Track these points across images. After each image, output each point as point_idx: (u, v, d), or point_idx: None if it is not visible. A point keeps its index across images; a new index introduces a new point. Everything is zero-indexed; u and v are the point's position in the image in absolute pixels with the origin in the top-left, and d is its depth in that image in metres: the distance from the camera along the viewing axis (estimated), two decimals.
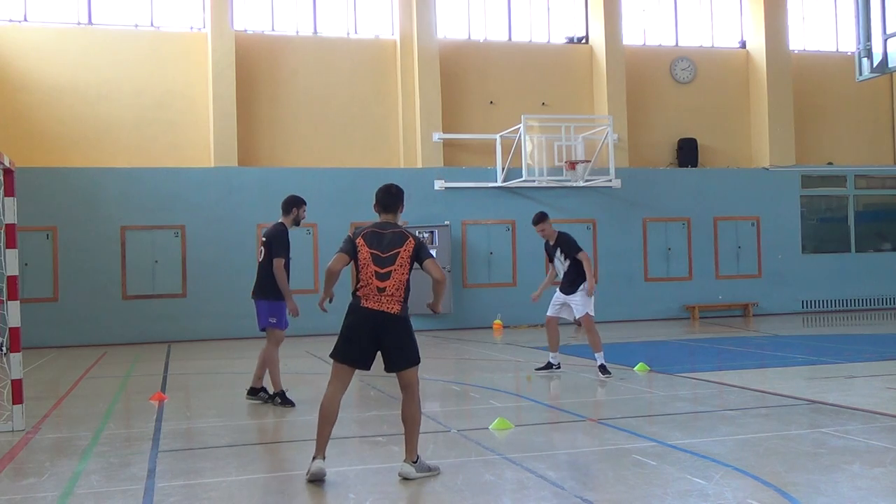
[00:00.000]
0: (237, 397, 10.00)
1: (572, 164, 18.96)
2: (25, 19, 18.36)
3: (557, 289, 10.96)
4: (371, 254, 5.75)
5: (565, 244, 10.71)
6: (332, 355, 5.85)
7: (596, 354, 10.73)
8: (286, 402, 8.73)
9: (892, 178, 23.19)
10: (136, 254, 17.94)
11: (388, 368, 5.84)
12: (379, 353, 5.84)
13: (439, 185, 19.51)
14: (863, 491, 5.26)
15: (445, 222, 19.22)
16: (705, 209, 21.25)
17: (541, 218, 10.76)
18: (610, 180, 19.55)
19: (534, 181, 19.15)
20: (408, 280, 5.75)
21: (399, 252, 5.75)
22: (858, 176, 22.78)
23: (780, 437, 6.83)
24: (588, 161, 19.02)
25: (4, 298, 7.73)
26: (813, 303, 21.85)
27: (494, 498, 5.37)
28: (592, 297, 10.64)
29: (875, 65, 13.23)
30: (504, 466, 6.10)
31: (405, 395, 5.82)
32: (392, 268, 5.72)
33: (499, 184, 19.69)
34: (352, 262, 5.82)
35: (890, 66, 13.14)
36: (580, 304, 10.64)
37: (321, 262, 18.12)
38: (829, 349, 13.67)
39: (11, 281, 7.73)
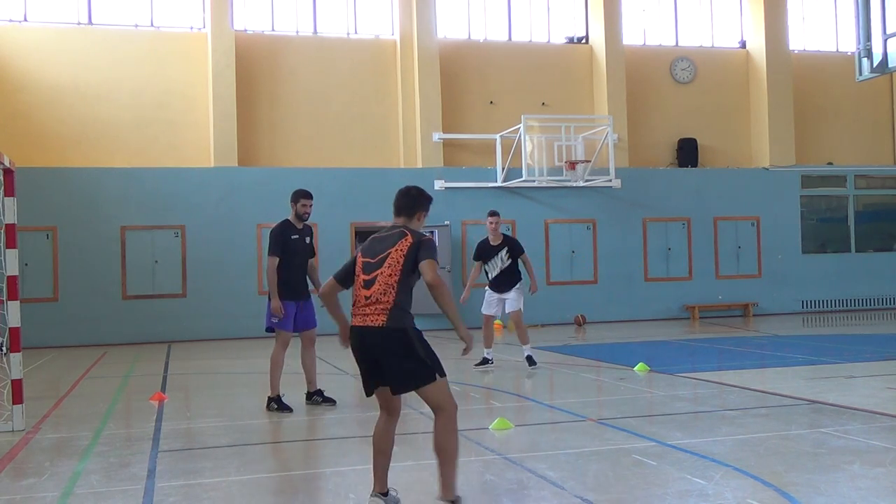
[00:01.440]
0: (237, 397, 10.01)
1: (572, 164, 18.96)
2: (25, 19, 18.36)
3: (488, 288, 11.71)
4: (363, 262, 5.00)
5: (513, 246, 11.52)
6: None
7: (524, 347, 11.48)
8: (282, 408, 8.63)
9: (892, 178, 23.18)
10: (136, 254, 17.94)
11: (393, 391, 4.95)
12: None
13: (439, 185, 19.51)
14: (863, 491, 5.26)
15: (445, 222, 19.21)
16: (705, 209, 21.25)
17: (498, 212, 11.73)
18: (610, 180, 19.55)
19: (534, 181, 19.15)
20: (398, 283, 4.85)
21: (389, 254, 4.91)
22: (858, 176, 22.78)
23: (780, 437, 6.83)
24: (588, 161, 19.01)
25: (4, 298, 7.73)
26: (813, 303, 21.85)
27: (494, 498, 5.37)
28: (523, 296, 11.56)
29: (875, 65, 13.23)
30: (504, 466, 6.10)
31: (436, 420, 4.88)
32: (378, 272, 4.89)
33: (499, 184, 19.68)
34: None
35: (890, 66, 13.14)
36: (515, 299, 11.49)
37: (322, 262, 18.09)
38: (829, 349, 13.67)
39: (11, 281, 7.73)
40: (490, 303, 11.66)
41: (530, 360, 11.37)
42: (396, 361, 4.81)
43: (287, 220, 8.84)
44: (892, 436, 6.81)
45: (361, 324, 4.87)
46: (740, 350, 13.82)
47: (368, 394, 5.02)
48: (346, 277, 5.09)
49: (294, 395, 8.88)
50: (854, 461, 5.94)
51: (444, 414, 4.82)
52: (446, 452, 4.80)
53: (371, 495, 4.95)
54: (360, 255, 5.06)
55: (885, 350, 13.19)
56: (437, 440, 4.83)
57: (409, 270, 4.88)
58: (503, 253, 11.43)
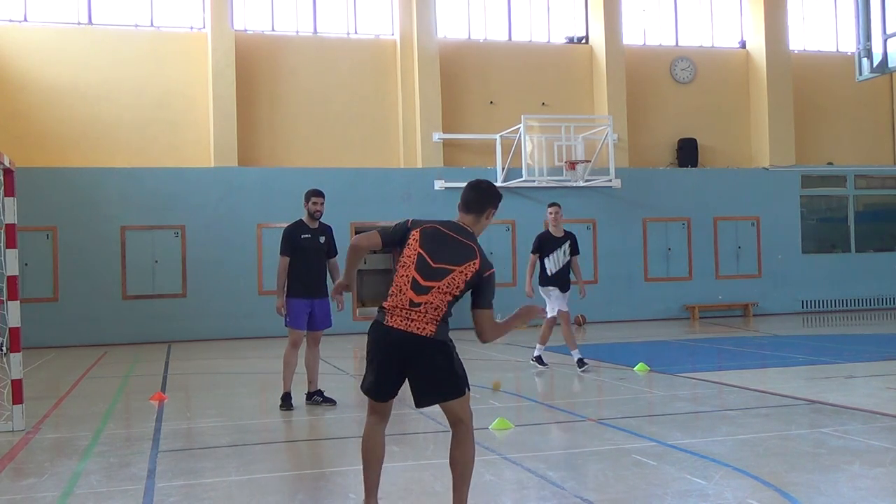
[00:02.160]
0: (237, 397, 10.02)
1: (572, 164, 18.96)
2: (25, 19, 18.36)
3: (549, 286, 11.10)
4: (419, 255, 4.58)
5: (575, 242, 11.12)
6: (361, 387, 4.74)
7: (542, 346, 11.37)
8: (284, 406, 8.68)
9: (892, 178, 23.18)
10: (136, 254, 17.94)
11: (418, 403, 4.63)
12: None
13: (439, 185, 19.50)
14: (863, 491, 5.26)
15: None
16: (705, 209, 21.25)
17: (559, 203, 11.30)
18: (610, 180, 19.55)
19: (534, 181, 19.15)
20: (451, 301, 4.58)
21: (452, 272, 4.55)
22: (858, 176, 22.77)
23: (780, 437, 6.83)
24: (588, 161, 19.01)
25: (4, 298, 7.73)
26: (813, 303, 21.85)
27: (494, 498, 5.37)
28: None
29: (875, 65, 13.22)
30: (504, 466, 6.10)
31: (454, 433, 4.61)
32: (436, 284, 4.53)
33: (499, 184, 19.63)
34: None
35: (890, 66, 13.13)
36: (567, 300, 11.19)
37: None
38: (829, 349, 13.67)
39: (11, 281, 7.73)
40: (559, 298, 11.04)
41: (540, 361, 11.35)
42: (432, 373, 4.55)
43: (300, 220, 8.99)
44: (892, 436, 6.81)
45: (403, 328, 4.49)
46: (740, 350, 13.82)
47: (377, 395, 4.66)
48: (387, 243, 4.74)
49: (294, 394, 8.88)
50: (854, 461, 5.94)
51: (463, 426, 4.60)
52: (463, 466, 4.59)
53: None
54: (419, 239, 4.63)
55: (885, 350, 13.19)
56: (455, 454, 4.59)
57: (465, 292, 4.64)
58: (566, 246, 10.95)
